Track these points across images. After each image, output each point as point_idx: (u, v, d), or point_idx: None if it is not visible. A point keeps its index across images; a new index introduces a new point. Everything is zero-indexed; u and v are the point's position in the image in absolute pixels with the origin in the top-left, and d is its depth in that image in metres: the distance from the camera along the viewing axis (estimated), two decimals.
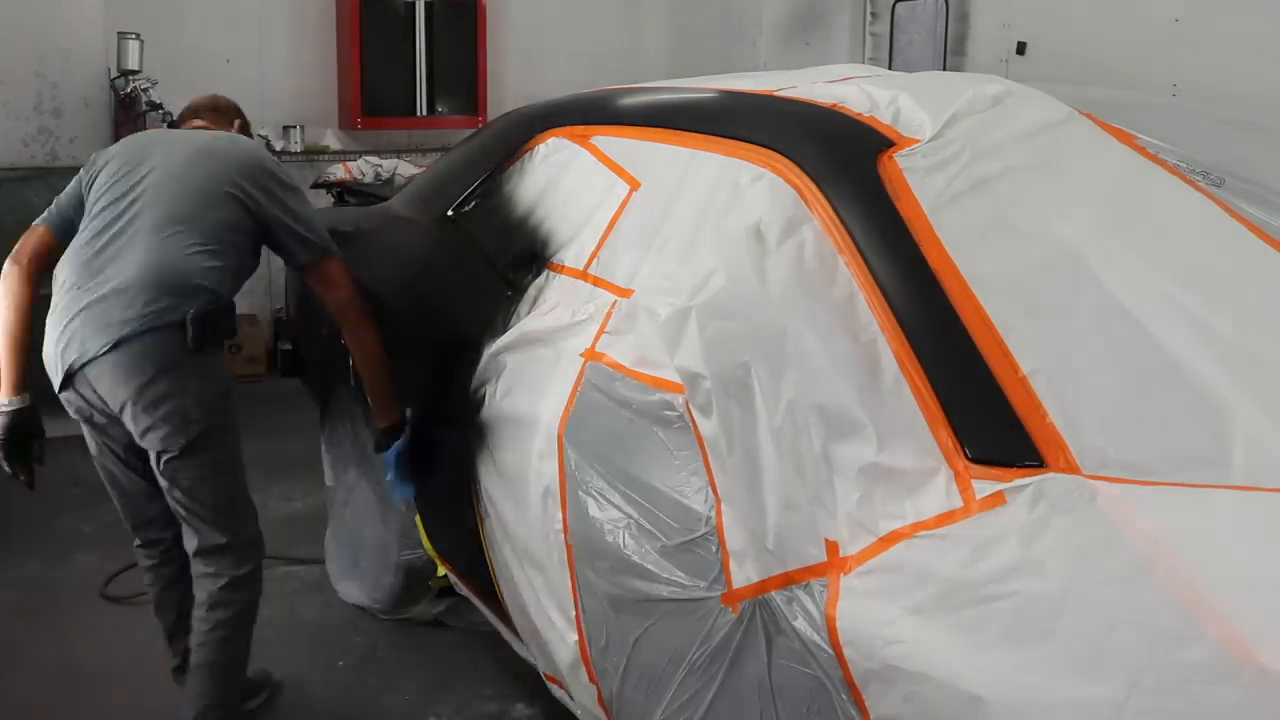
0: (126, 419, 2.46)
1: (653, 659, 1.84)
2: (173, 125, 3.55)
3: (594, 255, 2.33)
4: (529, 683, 2.78)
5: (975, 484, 1.52)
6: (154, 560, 2.77)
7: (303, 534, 3.81)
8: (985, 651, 1.36)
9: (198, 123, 2.97)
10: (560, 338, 2.22)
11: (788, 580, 1.62)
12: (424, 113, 6.01)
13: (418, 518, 2.88)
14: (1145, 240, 1.76)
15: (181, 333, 2.43)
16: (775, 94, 2.31)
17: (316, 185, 4.33)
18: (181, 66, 5.50)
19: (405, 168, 4.08)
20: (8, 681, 2.95)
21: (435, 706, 2.85)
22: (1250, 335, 1.60)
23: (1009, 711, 1.32)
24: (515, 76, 6.38)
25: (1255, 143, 2.28)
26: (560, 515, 2.04)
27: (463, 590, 2.87)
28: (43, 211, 2.67)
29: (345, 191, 4.04)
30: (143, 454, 2.54)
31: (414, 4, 5.89)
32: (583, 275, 2.33)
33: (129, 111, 5.25)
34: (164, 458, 2.47)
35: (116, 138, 5.18)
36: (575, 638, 2.06)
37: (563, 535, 2.03)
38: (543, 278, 2.45)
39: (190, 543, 2.59)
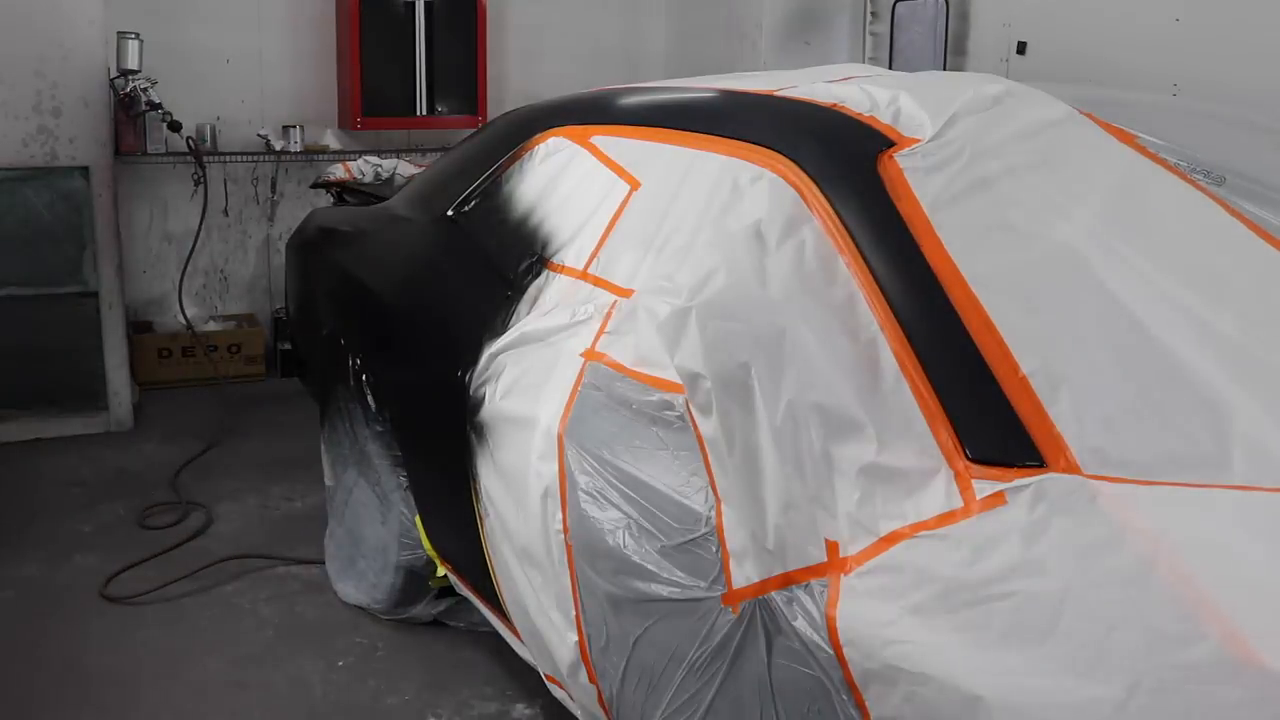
0: None
1: (653, 659, 1.84)
2: None
3: (594, 255, 2.33)
4: (529, 683, 2.78)
5: (975, 484, 1.52)
6: None
7: (302, 534, 3.81)
8: (986, 652, 1.36)
9: None
10: (560, 338, 2.22)
11: (788, 580, 1.62)
12: (424, 112, 6.01)
13: (418, 518, 2.88)
14: (1146, 240, 1.76)
15: None
16: (775, 94, 2.31)
17: (316, 185, 4.34)
18: (181, 66, 5.50)
19: (405, 167, 4.08)
20: (7, 681, 2.95)
21: (435, 707, 2.85)
22: (1251, 335, 1.60)
23: (1009, 712, 1.32)
24: (515, 76, 6.38)
25: (1256, 142, 2.28)
26: (560, 515, 2.03)
27: (462, 590, 2.87)
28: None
29: (345, 191, 4.04)
30: None
31: (414, 4, 5.88)
32: (583, 275, 2.33)
33: (128, 111, 5.24)
34: None
35: (116, 137, 5.18)
36: (575, 638, 2.06)
37: (563, 535, 2.03)
38: (542, 278, 2.45)
39: None
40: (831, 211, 1.88)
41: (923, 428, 1.61)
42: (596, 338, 2.11)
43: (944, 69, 4.85)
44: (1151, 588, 1.30)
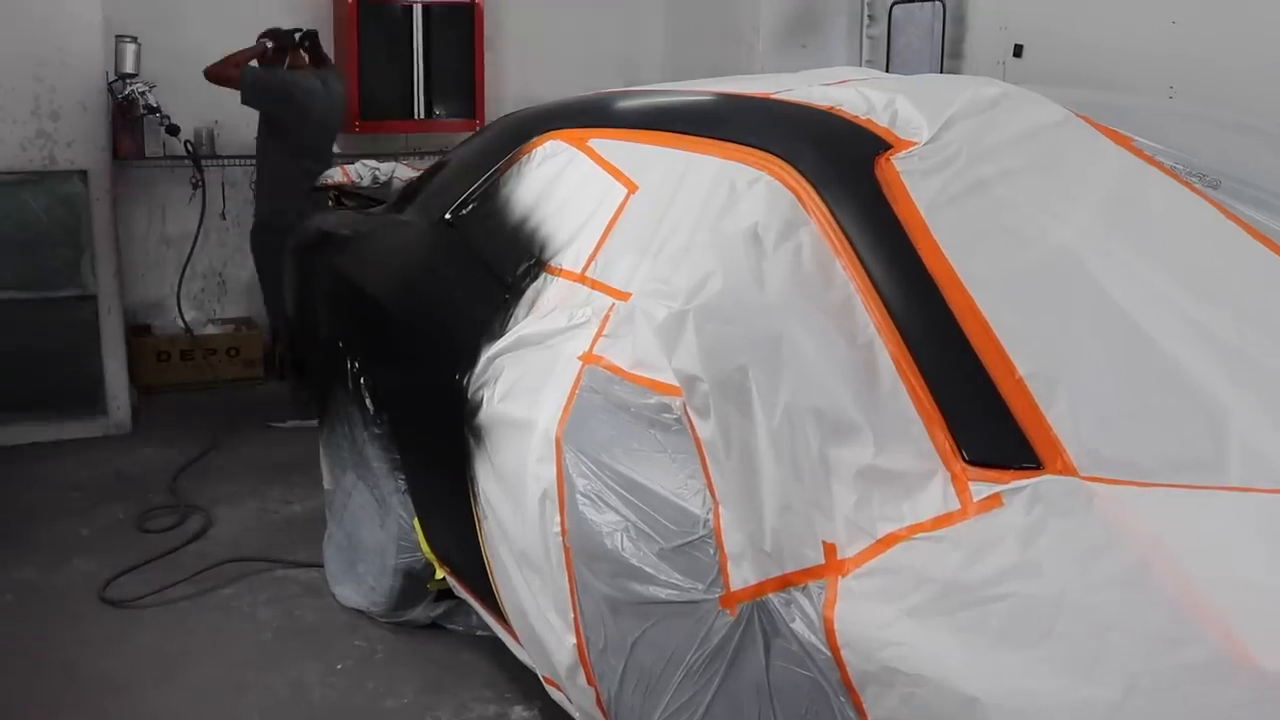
0: None
1: (651, 661, 1.84)
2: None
3: (591, 258, 2.33)
4: (527, 685, 2.77)
5: (972, 486, 1.52)
6: None
7: (301, 537, 3.80)
8: (983, 653, 1.36)
9: None
10: (558, 341, 2.22)
11: (785, 582, 1.62)
12: (421, 116, 6.01)
13: (416, 521, 2.88)
14: (1142, 242, 1.77)
15: None
16: (772, 97, 2.31)
17: (314, 188, 4.33)
18: (180, 70, 5.49)
19: (403, 171, 4.08)
20: (5, 685, 2.95)
21: (434, 709, 2.85)
22: (1247, 337, 1.60)
23: (1006, 713, 1.32)
24: (513, 80, 6.37)
25: (1252, 145, 2.28)
26: (558, 518, 2.04)
27: (461, 593, 2.87)
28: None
29: (343, 195, 4.04)
30: None
31: (411, 7, 5.89)
32: (580, 278, 2.33)
33: (127, 115, 5.24)
34: None
35: (115, 141, 5.18)
36: (573, 640, 2.06)
37: (561, 538, 2.03)
38: (540, 281, 2.45)
39: None
40: (828, 214, 1.88)
41: (919, 430, 1.61)
42: (594, 341, 2.12)
43: (941, 72, 4.86)
44: (1148, 589, 1.31)
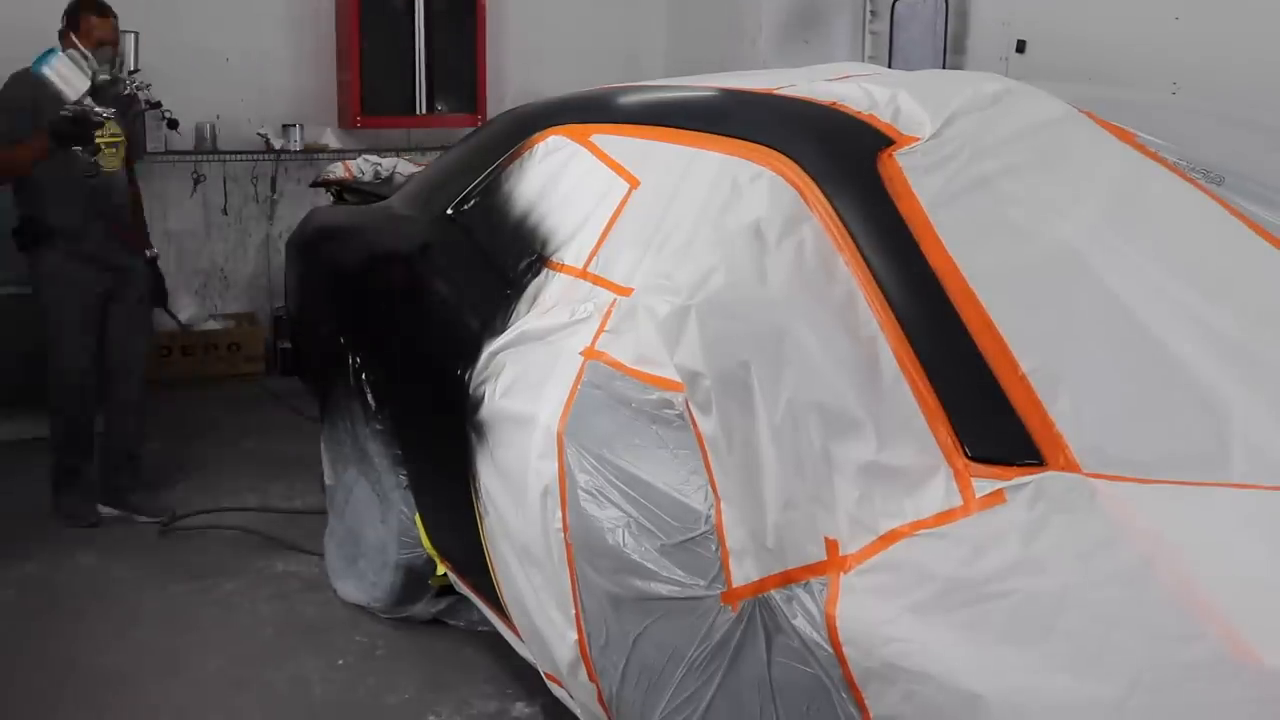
0: None
1: (652, 657, 1.84)
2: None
3: (593, 254, 2.33)
4: (529, 681, 2.77)
5: (975, 482, 1.52)
6: None
7: (302, 532, 3.81)
8: (985, 650, 1.36)
9: None
10: (560, 336, 2.22)
11: (787, 579, 1.62)
12: (423, 111, 6.01)
13: (417, 516, 2.88)
14: (1145, 238, 1.76)
15: None
16: (775, 92, 2.31)
17: (316, 184, 4.33)
18: (180, 65, 5.49)
19: (405, 166, 4.08)
20: (7, 680, 2.95)
21: (435, 705, 2.85)
22: (1250, 333, 1.60)
23: (1008, 710, 1.32)
24: (515, 75, 6.37)
25: (1255, 140, 2.28)
26: (560, 514, 2.03)
27: (462, 589, 2.87)
28: None
29: (345, 190, 4.04)
30: None
31: (413, 2, 5.89)
32: (582, 274, 2.33)
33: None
34: None
35: None
36: (575, 636, 2.06)
37: (562, 534, 2.03)
38: (542, 276, 2.45)
39: None
40: (831, 210, 1.88)
41: (922, 426, 1.60)
42: (596, 336, 2.11)
43: (943, 67, 4.85)
44: (1151, 586, 1.30)
